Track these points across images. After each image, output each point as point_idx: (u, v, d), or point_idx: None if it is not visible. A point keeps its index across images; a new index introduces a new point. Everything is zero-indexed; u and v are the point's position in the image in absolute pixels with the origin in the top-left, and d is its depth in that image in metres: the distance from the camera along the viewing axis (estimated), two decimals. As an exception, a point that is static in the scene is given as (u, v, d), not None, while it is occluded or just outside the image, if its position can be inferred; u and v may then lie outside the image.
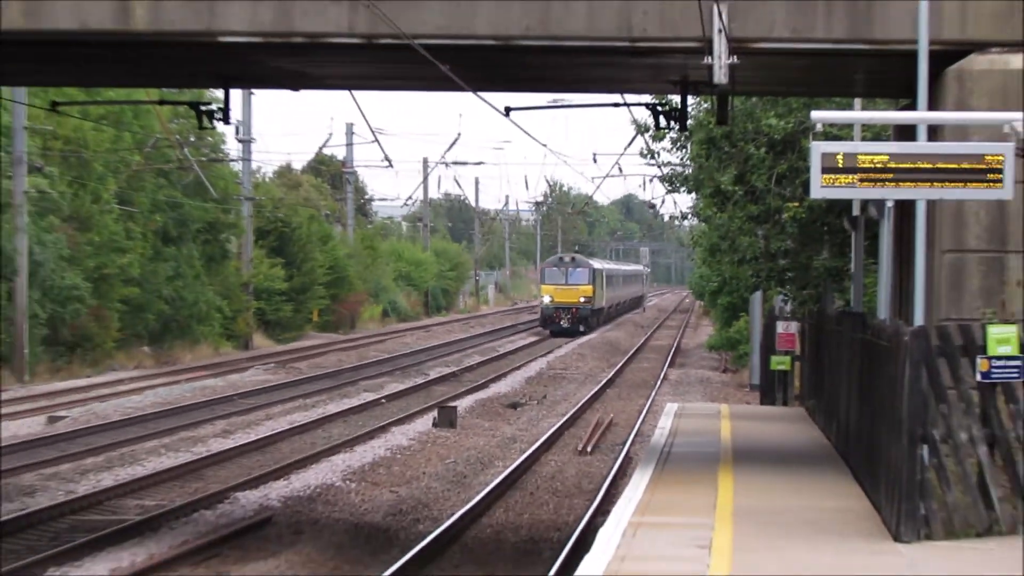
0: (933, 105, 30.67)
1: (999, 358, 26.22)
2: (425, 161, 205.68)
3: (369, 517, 39.42)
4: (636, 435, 44.17)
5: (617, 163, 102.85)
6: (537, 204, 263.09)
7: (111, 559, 32.28)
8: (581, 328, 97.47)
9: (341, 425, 63.14)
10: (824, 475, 34.84)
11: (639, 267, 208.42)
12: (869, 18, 31.23)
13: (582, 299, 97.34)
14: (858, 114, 30.99)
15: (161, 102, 76.79)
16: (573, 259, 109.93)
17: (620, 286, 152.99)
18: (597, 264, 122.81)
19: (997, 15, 31.35)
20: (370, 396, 77.76)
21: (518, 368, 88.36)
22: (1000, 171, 28.64)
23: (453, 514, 38.49)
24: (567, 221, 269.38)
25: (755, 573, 23.08)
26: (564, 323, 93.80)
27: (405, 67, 38.16)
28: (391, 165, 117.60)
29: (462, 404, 67.34)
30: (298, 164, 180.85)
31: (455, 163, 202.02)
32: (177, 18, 32.22)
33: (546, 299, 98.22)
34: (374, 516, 39.71)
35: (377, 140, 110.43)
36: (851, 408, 36.89)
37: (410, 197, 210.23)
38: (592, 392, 71.40)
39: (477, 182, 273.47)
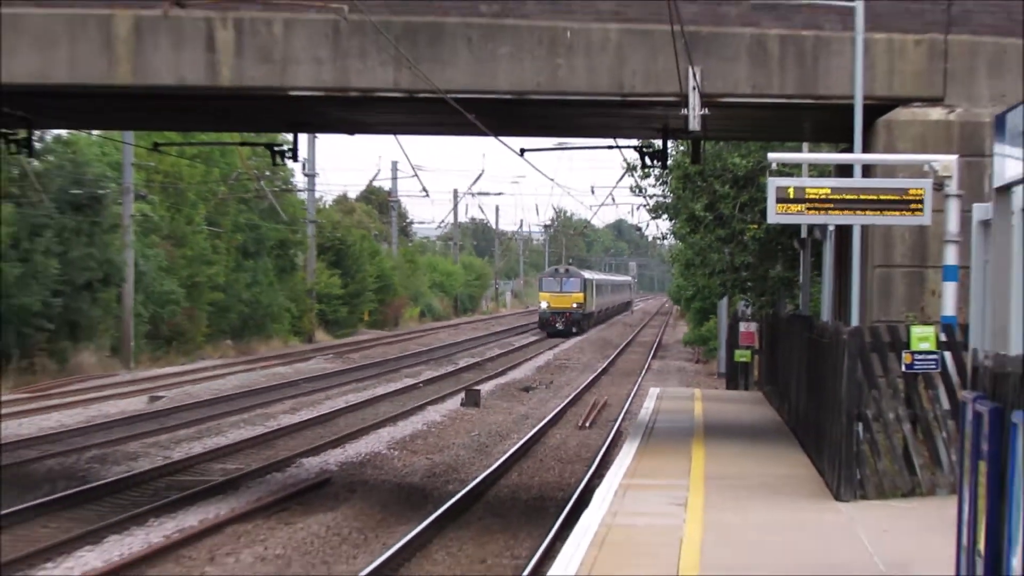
0: (867, 148, 31.14)
1: (920, 353, 26.39)
2: (455, 192, 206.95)
3: (409, 479, 39.73)
4: (626, 413, 44.39)
5: (610, 194, 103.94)
6: (546, 227, 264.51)
7: (200, 512, 32.51)
8: (573, 330, 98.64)
9: (387, 404, 62.93)
10: (778, 447, 35.04)
11: (627, 278, 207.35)
12: (815, 78, 31.37)
13: (574, 305, 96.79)
14: (805, 156, 31.11)
15: (242, 143, 76.69)
16: (567, 270, 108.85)
17: (609, 293, 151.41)
18: (588, 275, 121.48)
19: (919, 76, 31.43)
20: (410, 381, 77.32)
21: (530, 359, 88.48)
22: (921, 202, 28.73)
23: (477, 477, 38.68)
24: (570, 240, 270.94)
25: (722, 525, 23.19)
26: (559, 326, 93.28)
27: (439, 116, 37.92)
28: (428, 195, 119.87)
29: (485, 388, 67.52)
30: (352, 194, 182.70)
31: (479, 193, 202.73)
32: (256, 75, 32.30)
33: (543, 305, 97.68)
34: (413, 478, 40.00)
35: (416, 175, 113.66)
36: (800, 393, 37.08)
37: (443, 221, 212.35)
38: (589, 379, 71.65)
39: (497, 209, 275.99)
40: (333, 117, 43.57)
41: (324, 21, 31.11)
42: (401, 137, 67.82)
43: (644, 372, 73.28)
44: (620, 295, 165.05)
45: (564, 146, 59.92)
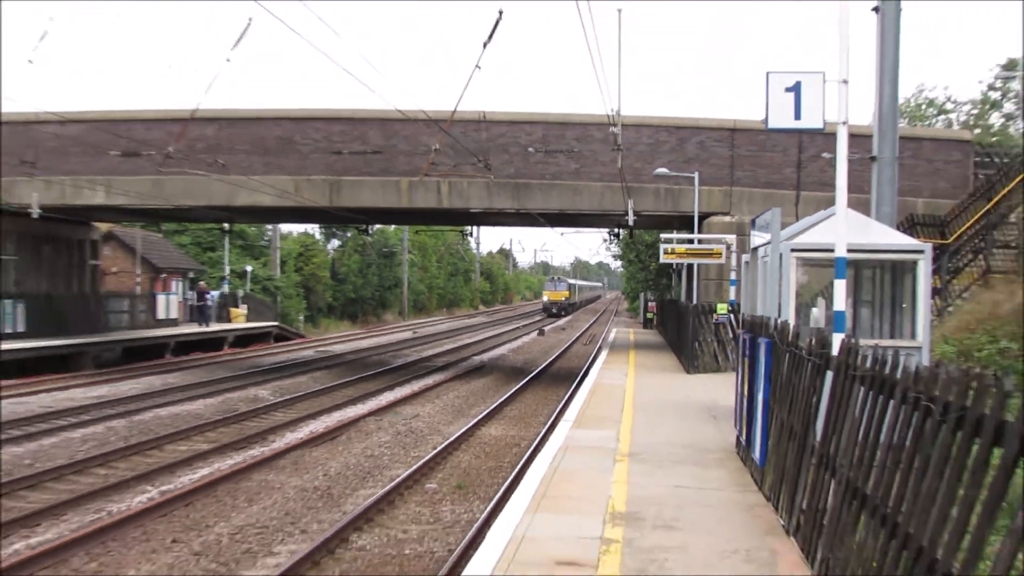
0: (700, 231, 30.35)
1: (720, 314, 26.60)
2: (535, 251, 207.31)
3: (516, 365, 38.80)
4: (602, 340, 43.97)
5: (597, 250, 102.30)
6: (572, 264, 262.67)
7: (431, 378, 31.68)
8: (562, 313, 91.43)
9: (509, 331, 61.30)
10: (663, 352, 34.24)
11: (598, 283, 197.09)
12: (679, 204, 30.51)
13: (563, 298, 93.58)
14: (675, 235, 30.99)
15: (450, 229, 77.32)
16: (559, 278, 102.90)
17: (587, 292, 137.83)
18: (571, 280, 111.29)
19: (720, 203, 30.50)
20: (517, 324, 75.21)
21: (562, 318, 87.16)
22: (720, 254, 28.84)
23: (542, 363, 37.68)
24: (580, 267, 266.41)
25: (641, 382, 22.76)
26: (554, 310, 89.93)
27: (528, 219, 37.46)
28: (523, 249, 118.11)
29: (549, 328, 66.73)
30: (494, 249, 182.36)
31: (542, 249, 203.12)
32: (456, 203, 31.63)
33: (545, 298, 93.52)
34: (515, 364, 39.11)
35: (511, 243, 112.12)
36: (672, 330, 35.87)
37: (530, 262, 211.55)
38: (584, 328, 70.03)
39: (551, 257, 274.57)
40: (487, 220, 42.64)
41: (484, 181, 30.51)
42: (513, 228, 68.25)
43: (609, 324, 72.29)
44: (594, 292, 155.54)
45: (579, 231, 60.06)
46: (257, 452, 17.89)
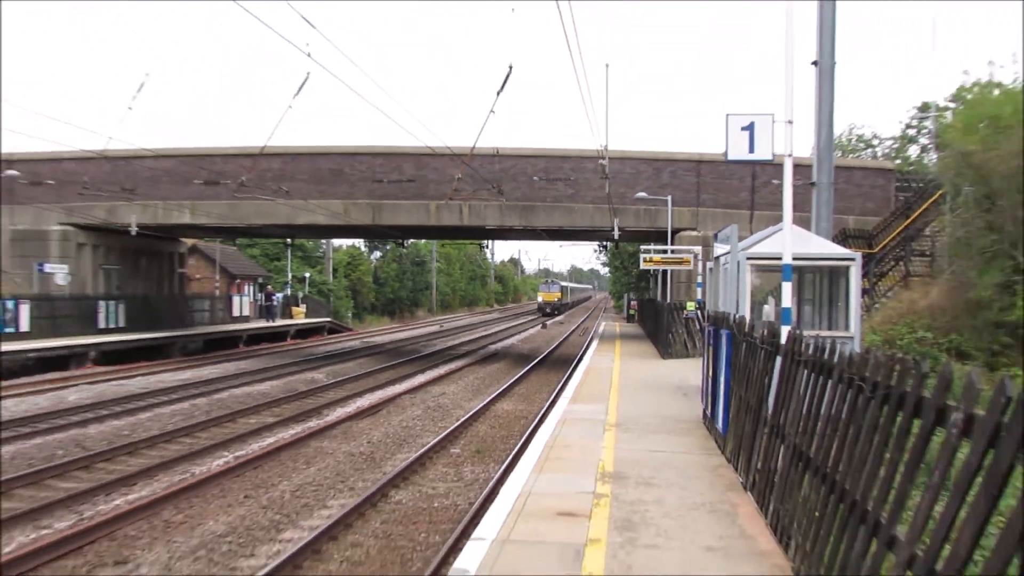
0: (673, 243, 30.05)
1: (689, 311, 26.50)
2: (538, 260, 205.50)
3: (522, 352, 38.23)
4: (594, 332, 43.92)
5: (589, 259, 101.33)
6: (569, 271, 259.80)
7: (452, 364, 31.22)
8: (555, 313, 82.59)
9: (518, 326, 60.66)
10: (643, 342, 33.82)
11: (589, 285, 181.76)
12: (656, 221, 30.36)
13: (556, 299, 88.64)
14: (652, 247, 30.91)
15: (469, 242, 77.13)
16: (552, 280, 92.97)
17: (578, 293, 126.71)
18: (564, 283, 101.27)
19: (689, 221, 30.42)
20: (524, 319, 74.42)
21: (554, 317, 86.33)
22: (689, 262, 28.84)
23: (545, 351, 37.33)
24: (575, 273, 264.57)
25: (625, 366, 22.38)
26: (548, 310, 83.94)
27: (534, 235, 37.11)
28: (529, 260, 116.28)
29: (549, 323, 66.62)
30: (506, 258, 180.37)
31: (544, 259, 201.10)
32: (474, 222, 31.41)
33: (540, 299, 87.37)
34: (523, 352, 38.52)
35: (519, 253, 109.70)
36: (650, 323, 35.84)
37: (535, 268, 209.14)
38: (579, 322, 69.61)
39: (552, 265, 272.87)
40: (500, 235, 41.83)
41: (497, 204, 30.39)
42: (521, 242, 68.01)
43: (599, 318, 72.16)
44: (584, 294, 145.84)
45: (575, 244, 59.78)
46: (314, 424, 17.83)
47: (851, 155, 46.25)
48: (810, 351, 6.11)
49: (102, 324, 32.56)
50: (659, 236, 31.45)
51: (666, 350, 26.64)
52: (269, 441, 15.80)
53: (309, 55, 15.19)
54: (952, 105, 39.02)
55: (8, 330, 27.84)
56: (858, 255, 11.62)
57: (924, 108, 43.09)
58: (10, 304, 28.43)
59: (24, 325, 28.63)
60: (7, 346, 25.58)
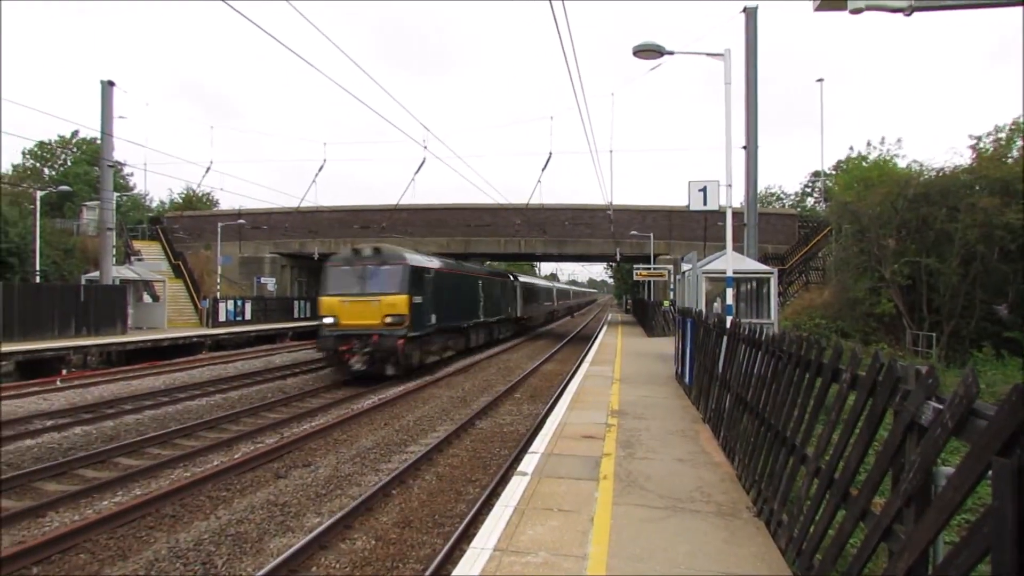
0: (654, 263, 29.27)
1: (665, 307, 25.98)
2: (568, 274, 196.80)
3: (558, 334, 35.89)
4: (603, 321, 42.10)
5: (600, 273, 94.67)
6: (587, 281, 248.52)
7: (514, 340, 29.38)
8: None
9: (557, 319, 58.76)
10: (636, 327, 32.29)
11: (593, 290, 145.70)
12: (643, 249, 29.61)
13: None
14: (641, 266, 30.25)
15: (525, 263, 70.31)
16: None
17: (583, 297, 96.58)
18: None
19: (665, 249, 29.61)
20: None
21: (568, 315, 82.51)
22: (668, 276, 28.19)
23: (572, 333, 35.25)
24: (590, 283, 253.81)
25: (626, 343, 21.48)
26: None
27: (564, 258, 36.05)
28: (562, 273, 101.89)
29: (575, 313, 64.31)
30: (547, 272, 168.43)
31: (572, 274, 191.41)
32: (519, 247, 31.31)
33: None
34: (559, 333, 36.15)
35: (556, 269, 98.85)
36: (640, 315, 34.82)
37: (562, 280, 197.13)
38: (595, 314, 66.98)
39: (576, 277, 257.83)
40: (544, 259, 39.46)
41: (543, 239, 29.41)
42: (557, 263, 64.61)
43: (607, 313, 70.27)
44: (588, 297, 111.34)
45: (592, 264, 58.62)
46: (429, 378, 17.90)
47: (769, 205, 45.45)
48: (746, 332, 5.94)
49: (296, 315, 32.47)
50: (645, 259, 30.92)
51: (651, 331, 26.17)
52: (398, 390, 15.61)
53: (425, 147, 15.49)
54: (833, 172, 38.86)
55: (237, 318, 28.71)
56: (775, 270, 11.54)
57: (816, 175, 42.69)
58: (240, 303, 29.33)
59: (248, 316, 29.49)
60: (237, 328, 25.67)
